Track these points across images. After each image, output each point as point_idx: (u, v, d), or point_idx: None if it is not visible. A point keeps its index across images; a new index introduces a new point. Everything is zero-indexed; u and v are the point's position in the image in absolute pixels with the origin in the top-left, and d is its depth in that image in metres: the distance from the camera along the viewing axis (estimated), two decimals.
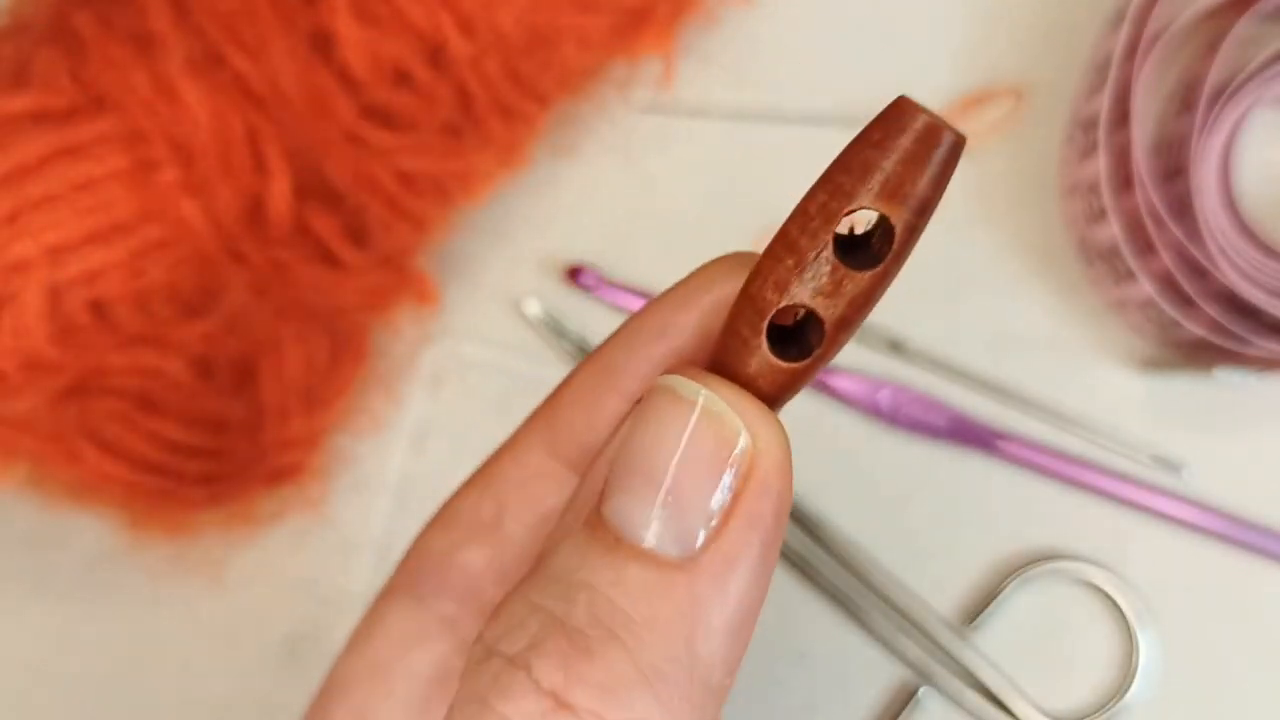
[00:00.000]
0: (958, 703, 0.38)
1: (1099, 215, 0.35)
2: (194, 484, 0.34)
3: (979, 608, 0.39)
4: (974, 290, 0.40)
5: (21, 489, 0.35)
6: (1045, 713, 0.38)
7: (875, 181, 0.17)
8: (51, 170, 0.30)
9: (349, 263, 0.33)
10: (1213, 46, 0.35)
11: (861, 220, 0.18)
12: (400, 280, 0.36)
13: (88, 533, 0.39)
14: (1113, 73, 0.34)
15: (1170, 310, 0.34)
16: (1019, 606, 0.39)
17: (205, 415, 0.34)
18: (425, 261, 0.38)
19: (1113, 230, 0.34)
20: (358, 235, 0.33)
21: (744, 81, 0.40)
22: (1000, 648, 0.39)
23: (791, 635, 0.39)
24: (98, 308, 0.32)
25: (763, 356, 0.18)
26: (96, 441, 0.33)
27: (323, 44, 0.31)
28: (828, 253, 0.17)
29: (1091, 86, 0.36)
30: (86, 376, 0.32)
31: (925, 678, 0.39)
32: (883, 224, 0.17)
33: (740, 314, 0.18)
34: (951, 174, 0.17)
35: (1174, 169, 0.35)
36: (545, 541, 0.20)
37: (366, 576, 0.39)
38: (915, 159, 0.17)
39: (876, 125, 0.17)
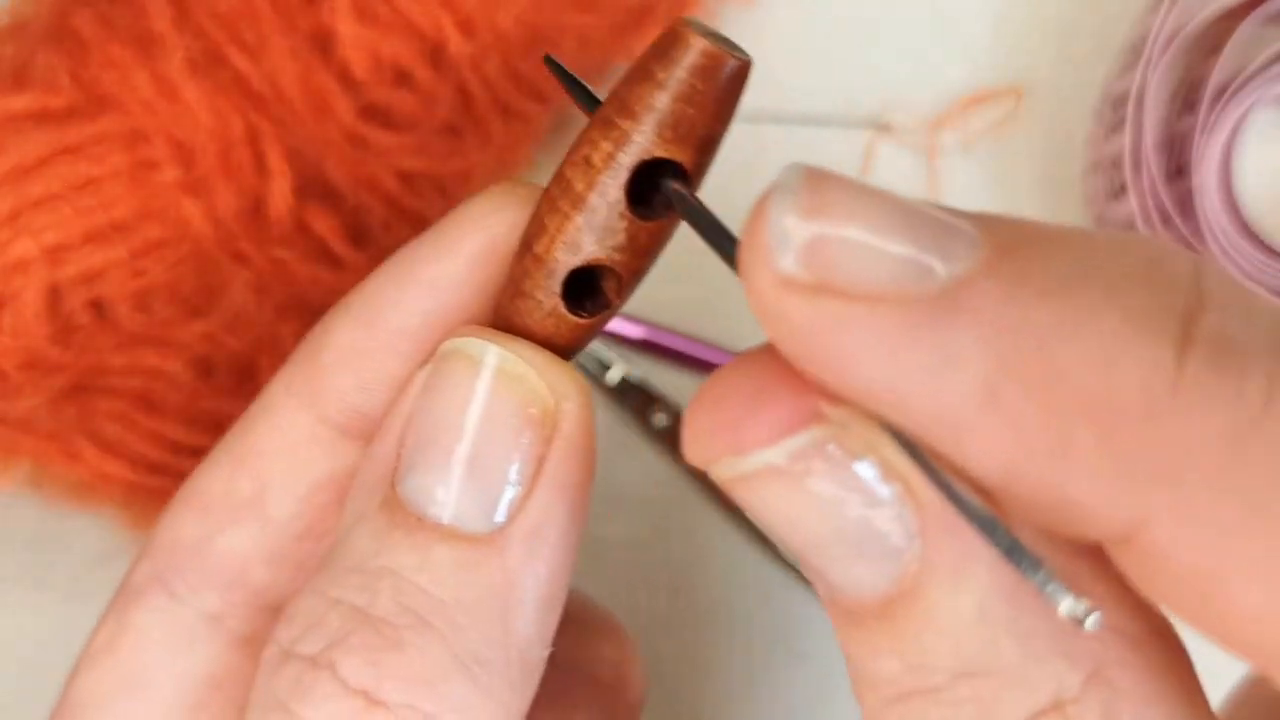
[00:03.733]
0: None
1: (1120, 191, 0.35)
2: None
3: None
4: None
5: (22, 489, 0.35)
6: None
7: (661, 123, 0.16)
8: (52, 170, 0.31)
9: (349, 262, 0.33)
10: (1216, 48, 0.36)
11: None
12: None
13: (88, 532, 0.39)
14: (1146, 51, 0.34)
15: None
16: None
17: (206, 415, 0.34)
18: None
19: (1131, 205, 0.35)
20: (358, 235, 0.33)
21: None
22: None
23: (791, 635, 0.39)
24: (98, 307, 0.32)
25: (558, 315, 0.17)
26: (97, 441, 0.33)
27: (323, 44, 0.31)
28: (620, 208, 0.16)
29: (1124, 65, 0.37)
30: (87, 376, 0.32)
31: None
32: (669, 165, 0.16)
33: (529, 274, 0.17)
34: (737, 102, 0.16)
35: (1177, 169, 0.36)
36: (336, 527, 0.18)
37: None
38: (698, 95, 0.16)
39: (654, 57, 0.16)
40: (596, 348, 0.39)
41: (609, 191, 0.16)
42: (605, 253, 0.16)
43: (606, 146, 0.16)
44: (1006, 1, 0.40)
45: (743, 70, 0.16)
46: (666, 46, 0.16)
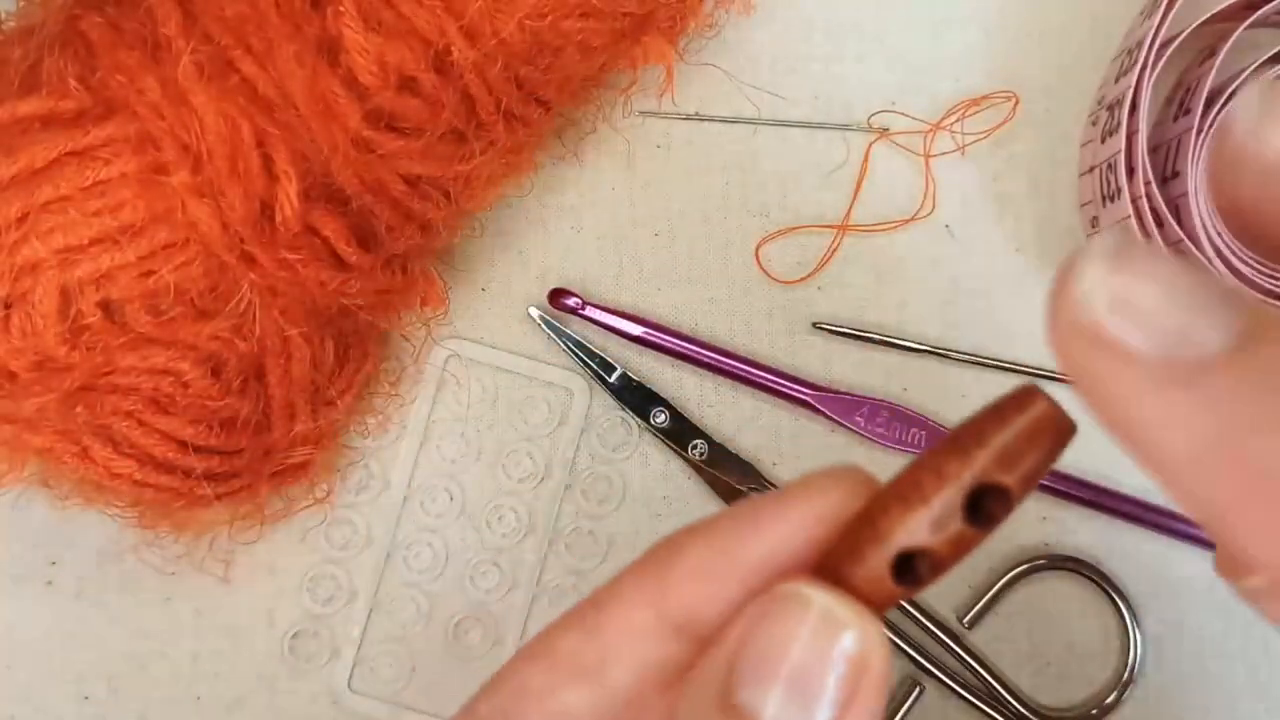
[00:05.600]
0: (956, 699, 0.39)
1: (1114, 194, 0.36)
2: (202, 482, 0.35)
3: (976, 605, 0.39)
4: (972, 290, 0.40)
5: (32, 487, 0.36)
6: (1042, 708, 0.39)
7: (1001, 456, 0.20)
8: (61, 173, 0.31)
9: (356, 265, 0.33)
10: (1211, 52, 0.36)
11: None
12: (407, 282, 0.36)
13: (97, 530, 0.39)
14: (1140, 57, 0.35)
15: None
16: (1016, 604, 0.39)
17: (214, 414, 0.34)
18: (431, 264, 0.38)
19: (1125, 208, 0.35)
20: (364, 238, 0.34)
21: (744, 87, 0.40)
22: (997, 645, 0.39)
23: None
24: (107, 308, 0.32)
25: (880, 580, 0.21)
26: (106, 440, 0.34)
27: (330, 50, 0.31)
28: (958, 513, 0.20)
29: (1119, 69, 0.37)
30: (96, 376, 0.33)
31: (923, 675, 0.39)
32: (997, 488, 0.20)
33: (867, 541, 0.21)
34: (1061, 452, 0.20)
35: (1172, 172, 0.36)
36: (671, 712, 0.23)
37: (373, 574, 0.39)
38: (1034, 441, 0.20)
39: (1010, 404, 0.20)
40: (599, 348, 0.39)
41: (951, 499, 0.20)
42: (934, 543, 0.20)
43: (956, 465, 0.20)
44: (1002, 7, 0.40)
45: (1070, 430, 0.20)
46: (1021, 400, 0.20)
